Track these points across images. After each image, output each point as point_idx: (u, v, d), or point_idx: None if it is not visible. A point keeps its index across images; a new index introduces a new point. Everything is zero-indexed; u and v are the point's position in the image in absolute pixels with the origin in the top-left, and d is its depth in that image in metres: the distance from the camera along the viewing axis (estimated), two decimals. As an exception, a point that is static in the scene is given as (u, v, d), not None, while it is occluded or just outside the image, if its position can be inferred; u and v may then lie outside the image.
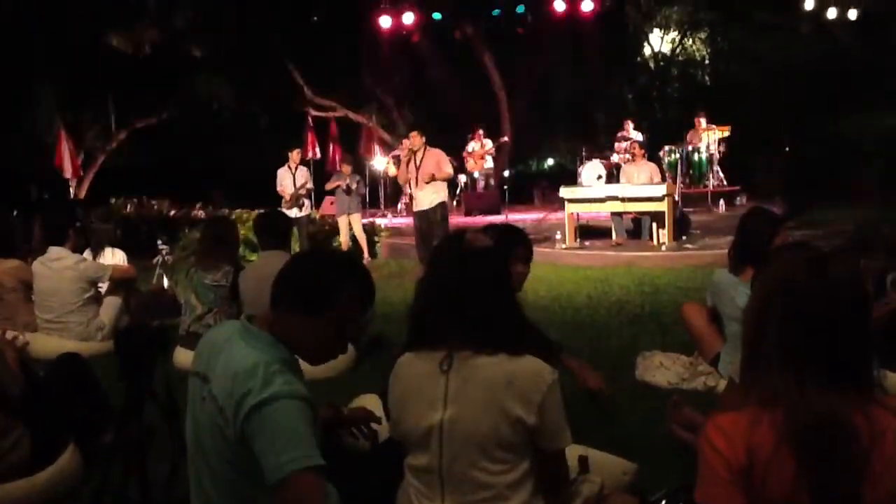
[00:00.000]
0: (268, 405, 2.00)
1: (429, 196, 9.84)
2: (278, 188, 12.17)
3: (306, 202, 12.20)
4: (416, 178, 9.87)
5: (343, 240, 12.18)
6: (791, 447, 1.65)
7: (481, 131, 17.08)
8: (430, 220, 9.80)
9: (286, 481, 1.95)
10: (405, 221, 14.91)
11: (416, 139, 10.04)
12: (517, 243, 3.45)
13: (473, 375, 2.17)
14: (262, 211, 7.57)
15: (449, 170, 10.05)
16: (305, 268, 2.29)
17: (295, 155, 12.41)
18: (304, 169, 12.48)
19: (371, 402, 3.42)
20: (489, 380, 2.15)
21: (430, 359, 2.23)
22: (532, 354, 2.22)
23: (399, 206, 17.18)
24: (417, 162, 9.89)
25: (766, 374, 1.74)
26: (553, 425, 2.16)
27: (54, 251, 6.14)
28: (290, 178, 12.08)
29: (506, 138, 18.18)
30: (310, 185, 12.28)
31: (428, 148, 9.97)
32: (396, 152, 17.22)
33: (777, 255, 1.96)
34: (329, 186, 12.57)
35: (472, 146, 16.80)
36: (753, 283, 1.95)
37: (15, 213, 11.48)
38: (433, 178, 9.73)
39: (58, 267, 6.07)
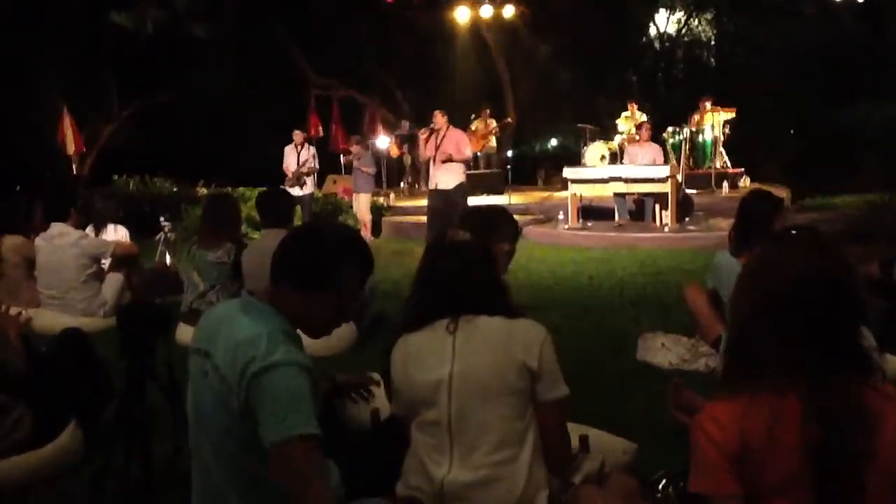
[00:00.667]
0: (270, 371, 2.01)
1: (448, 176, 9.85)
2: (284, 166, 12.19)
3: (308, 181, 12.17)
4: (435, 157, 9.90)
5: (361, 217, 12.31)
6: (791, 434, 1.64)
7: (488, 111, 17.05)
8: (449, 200, 9.73)
9: (281, 445, 1.97)
10: (409, 202, 14.91)
11: (439, 118, 10.04)
12: (502, 223, 3.47)
13: (478, 332, 2.36)
14: (264, 189, 7.55)
15: (468, 153, 10.10)
16: (304, 245, 2.28)
17: (298, 134, 12.44)
18: (310, 148, 12.48)
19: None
20: (492, 333, 2.35)
21: (435, 328, 2.39)
22: None
23: (402, 185, 17.15)
24: (438, 141, 9.90)
25: (761, 361, 1.73)
26: (551, 371, 2.33)
27: (56, 227, 6.14)
28: (295, 157, 12.08)
29: (509, 119, 18.13)
30: (312, 164, 12.24)
31: (450, 128, 9.99)
32: (399, 132, 17.16)
33: (770, 242, 1.94)
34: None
35: (476, 125, 16.74)
36: (744, 268, 1.94)
37: (17, 189, 11.49)
38: (450, 159, 9.76)
39: (60, 243, 6.07)
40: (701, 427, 1.73)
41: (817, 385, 1.67)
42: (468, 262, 2.47)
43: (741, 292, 1.87)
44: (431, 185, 10.10)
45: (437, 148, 9.84)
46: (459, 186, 9.83)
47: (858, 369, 1.72)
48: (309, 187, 12.20)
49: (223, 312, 2.24)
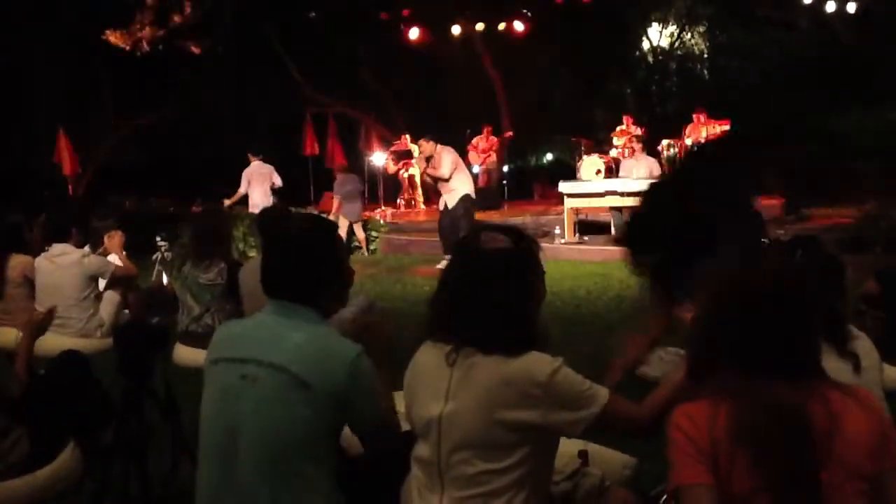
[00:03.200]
0: (363, 366, 2.33)
1: (450, 194, 10.09)
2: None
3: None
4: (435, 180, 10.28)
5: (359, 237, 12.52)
6: (749, 440, 1.68)
7: (489, 128, 17.14)
8: (453, 217, 9.96)
9: (381, 423, 2.42)
10: (406, 218, 14.94)
11: (425, 146, 10.16)
12: None
13: (473, 374, 2.16)
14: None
15: (444, 172, 10.03)
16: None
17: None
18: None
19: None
20: (487, 381, 2.14)
21: (441, 350, 2.24)
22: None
23: (398, 201, 17.16)
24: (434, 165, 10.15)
25: (721, 370, 1.79)
26: (569, 401, 2.12)
27: (58, 247, 6.13)
28: None
29: (509, 133, 18.19)
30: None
31: (437, 149, 10.12)
32: (395, 147, 17.19)
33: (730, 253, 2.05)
34: None
35: (477, 140, 16.81)
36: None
37: (17, 208, 11.44)
38: (424, 171, 10.27)
39: (63, 262, 6.07)
40: (675, 423, 1.77)
41: (770, 392, 1.71)
42: (485, 270, 2.21)
43: (701, 303, 1.92)
44: (441, 206, 10.27)
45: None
46: (461, 202, 9.94)
47: (812, 373, 1.78)
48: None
49: (265, 321, 2.40)
